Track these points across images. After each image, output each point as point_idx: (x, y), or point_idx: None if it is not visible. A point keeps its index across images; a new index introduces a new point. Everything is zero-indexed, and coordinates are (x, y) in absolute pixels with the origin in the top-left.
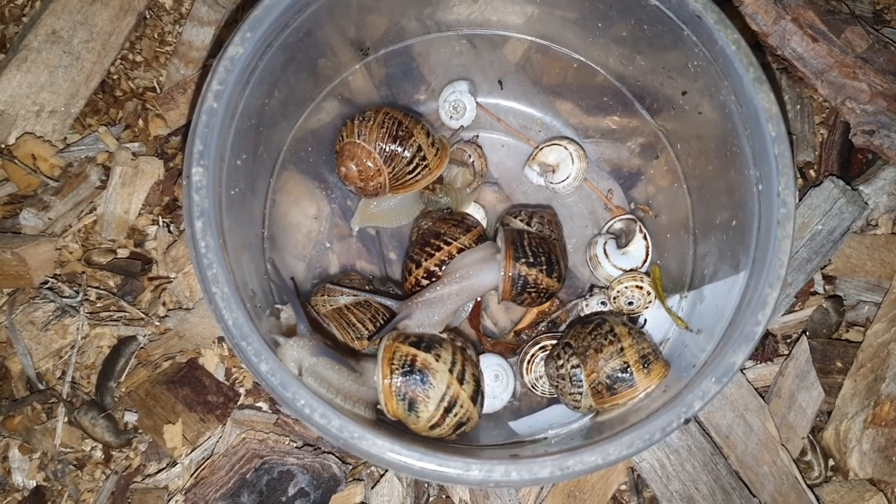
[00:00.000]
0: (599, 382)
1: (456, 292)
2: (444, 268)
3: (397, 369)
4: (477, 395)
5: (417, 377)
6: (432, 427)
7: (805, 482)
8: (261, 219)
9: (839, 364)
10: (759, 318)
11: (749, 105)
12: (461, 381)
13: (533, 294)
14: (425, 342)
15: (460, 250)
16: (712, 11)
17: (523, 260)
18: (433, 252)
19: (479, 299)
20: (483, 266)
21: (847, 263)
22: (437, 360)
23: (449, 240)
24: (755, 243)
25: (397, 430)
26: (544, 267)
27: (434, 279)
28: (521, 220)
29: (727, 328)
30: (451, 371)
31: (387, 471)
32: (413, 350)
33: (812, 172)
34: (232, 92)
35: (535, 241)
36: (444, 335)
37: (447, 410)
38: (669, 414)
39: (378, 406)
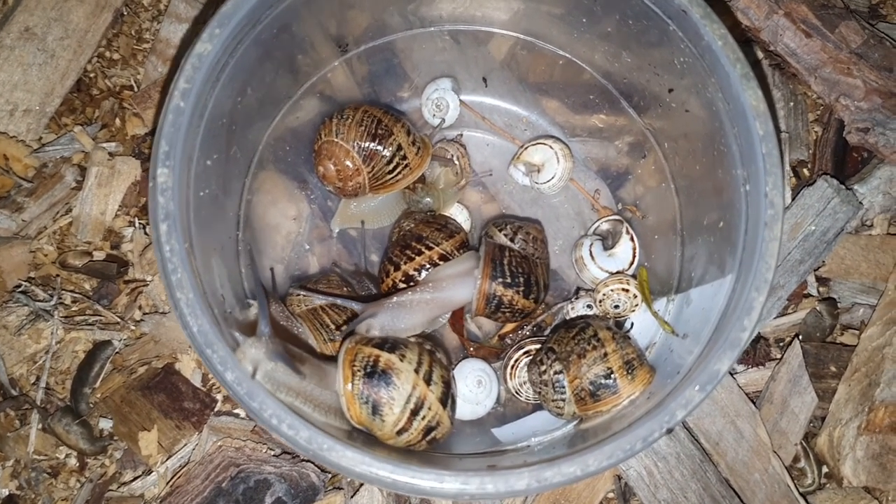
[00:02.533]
0: (582, 389)
1: (427, 301)
2: (422, 274)
3: (359, 371)
4: (447, 398)
5: (381, 378)
6: (399, 432)
7: (798, 490)
8: (235, 220)
9: (833, 368)
10: (745, 324)
11: (736, 102)
12: (428, 381)
13: (507, 313)
14: (389, 343)
15: (441, 256)
16: (698, 6)
17: (500, 280)
18: (413, 256)
19: None
20: (458, 281)
21: (841, 265)
22: (401, 360)
23: (431, 244)
24: (742, 245)
25: (372, 441)
26: (521, 288)
27: (412, 283)
28: (506, 235)
29: (713, 333)
30: (416, 371)
31: None
32: (376, 351)
33: (805, 171)
34: (200, 90)
35: (516, 261)
36: (412, 339)
37: (414, 413)
38: (651, 423)
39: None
